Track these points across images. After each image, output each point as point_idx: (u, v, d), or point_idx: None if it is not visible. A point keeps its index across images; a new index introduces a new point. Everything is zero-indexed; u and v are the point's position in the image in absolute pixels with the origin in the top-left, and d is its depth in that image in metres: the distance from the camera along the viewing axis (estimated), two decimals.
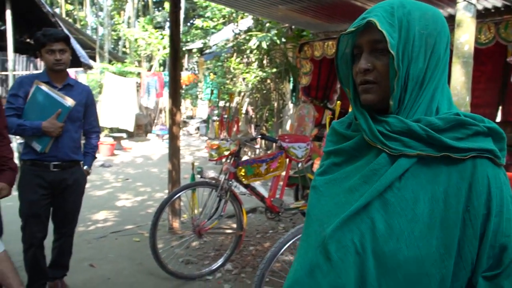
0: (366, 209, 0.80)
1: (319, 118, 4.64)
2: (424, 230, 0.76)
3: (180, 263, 3.40)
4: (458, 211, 0.77)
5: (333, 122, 1.00)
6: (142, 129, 13.60)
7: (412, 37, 0.79)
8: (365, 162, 0.85)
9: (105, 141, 9.49)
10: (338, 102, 2.81)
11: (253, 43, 7.21)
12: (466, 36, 2.16)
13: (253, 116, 8.51)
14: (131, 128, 11.24)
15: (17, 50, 9.68)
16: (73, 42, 11.67)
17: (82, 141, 2.87)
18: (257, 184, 5.17)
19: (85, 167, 2.82)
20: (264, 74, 7.50)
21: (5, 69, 10.11)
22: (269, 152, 6.93)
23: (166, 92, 12.76)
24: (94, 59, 12.97)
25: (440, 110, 0.83)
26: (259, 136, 3.32)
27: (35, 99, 2.56)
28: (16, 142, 5.88)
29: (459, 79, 2.19)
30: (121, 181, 6.87)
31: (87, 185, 3.01)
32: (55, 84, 2.63)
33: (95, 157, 2.96)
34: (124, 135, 11.08)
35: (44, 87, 2.57)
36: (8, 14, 7.17)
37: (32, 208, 2.59)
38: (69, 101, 2.58)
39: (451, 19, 2.82)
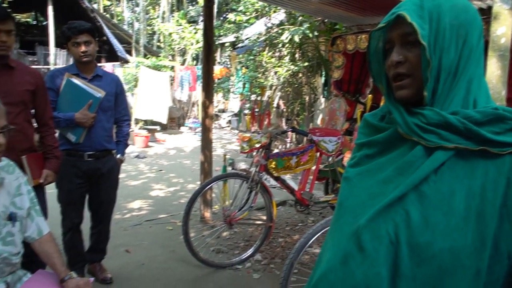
0: (401, 200, 0.80)
1: (351, 112, 4.61)
2: (460, 223, 0.76)
3: (211, 252, 3.49)
4: (495, 205, 0.77)
5: (366, 114, 1.01)
6: (175, 122, 13.87)
7: (442, 28, 0.79)
8: (399, 154, 0.85)
9: (139, 133, 9.76)
10: (370, 96, 2.80)
11: (285, 36, 7.22)
12: (502, 29, 2.11)
13: (284, 110, 8.53)
14: (164, 121, 11.48)
15: (58, 44, 10.08)
16: (111, 36, 12.04)
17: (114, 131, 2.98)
18: (287, 178, 5.22)
19: (118, 155, 2.93)
20: (296, 68, 7.50)
21: (47, 63, 10.56)
22: (299, 146, 6.93)
23: (198, 85, 12.95)
24: (130, 53, 13.31)
25: (477, 104, 0.82)
26: (290, 130, 3.35)
27: (66, 91, 2.65)
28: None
29: (495, 72, 2.15)
30: (155, 172, 7.07)
31: (123, 175, 3.14)
32: (85, 76, 2.71)
33: (127, 145, 3.06)
34: (158, 127, 11.34)
35: (74, 79, 2.67)
36: (50, 10, 7.47)
37: (69, 196, 2.74)
38: (99, 92, 2.67)
39: (488, 11, 2.75)
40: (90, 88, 2.67)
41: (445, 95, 0.82)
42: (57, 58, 9.42)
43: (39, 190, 2.21)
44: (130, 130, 3.13)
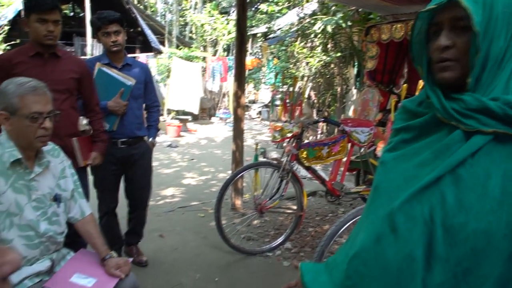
0: (436, 183, 0.81)
1: (384, 103, 4.54)
2: (495, 206, 0.77)
3: (241, 239, 3.56)
4: None
5: (404, 100, 1.01)
6: (206, 112, 14.02)
7: (495, 15, 0.78)
8: (437, 139, 0.86)
9: (172, 123, 9.95)
10: (405, 85, 2.76)
11: (318, 27, 7.15)
12: None
13: (315, 101, 8.48)
14: (196, 111, 11.64)
15: (95, 36, 10.39)
16: (145, 27, 12.26)
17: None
18: (317, 169, 5.20)
19: (150, 139, 3.01)
20: (328, 58, 7.43)
21: (84, 54, 10.89)
22: (331, 136, 6.89)
23: (230, 76, 13.03)
24: (163, 44, 13.52)
25: None
26: (322, 120, 3.35)
27: (98, 81, 2.72)
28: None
29: None
30: (187, 161, 7.20)
31: (156, 163, 3.24)
32: (115, 65, 2.79)
33: (158, 129, 3.15)
34: (189, 117, 11.50)
35: (105, 68, 2.75)
36: (87, 2, 7.66)
37: (104, 182, 2.86)
38: (130, 80, 2.76)
39: None
40: (121, 77, 2.75)
41: (489, 82, 0.81)
42: (93, 48, 9.70)
43: (82, 174, 2.33)
44: (163, 120, 3.23)
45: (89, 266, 1.82)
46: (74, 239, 2.04)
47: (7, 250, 0.54)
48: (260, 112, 14.64)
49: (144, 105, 3.05)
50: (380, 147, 3.46)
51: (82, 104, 2.57)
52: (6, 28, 7.47)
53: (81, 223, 1.89)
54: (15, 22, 8.86)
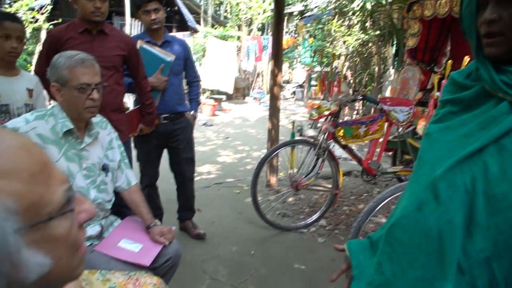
0: (480, 152, 0.81)
1: (425, 82, 4.40)
2: None
3: (276, 216, 3.61)
4: None
5: (452, 72, 1.01)
6: (240, 92, 14.07)
7: None
8: (483, 110, 0.86)
9: (207, 102, 10.07)
10: (449, 61, 2.67)
11: (357, 4, 6.97)
12: None
13: (351, 81, 8.33)
14: (230, 91, 11.70)
15: (133, 15, 10.54)
16: (181, 6, 12.32)
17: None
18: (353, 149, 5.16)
19: (191, 112, 3.11)
20: (366, 37, 7.25)
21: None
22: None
23: (264, 56, 12.97)
24: (198, 23, 13.56)
25: None
26: (361, 98, 3.31)
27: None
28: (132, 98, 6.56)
29: None
30: (222, 139, 7.30)
31: None
32: (155, 42, 2.87)
33: (199, 103, 3.24)
34: (223, 97, 11.59)
35: (146, 46, 2.82)
36: None
37: (147, 155, 2.98)
38: (169, 56, 2.83)
39: None
40: (161, 53, 2.83)
41: None
42: (132, 28, 9.86)
43: (127, 147, 2.44)
44: None
45: (135, 233, 1.91)
46: (119, 209, 2.14)
47: (83, 199, 0.59)
48: (294, 93, 14.54)
49: (184, 82, 3.13)
50: (421, 125, 3.39)
51: (131, 79, 2.67)
52: (49, 7, 7.70)
53: (127, 192, 1.99)
54: (56, 1, 9.11)
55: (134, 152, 2.93)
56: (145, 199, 2.96)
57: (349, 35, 7.54)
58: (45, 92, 2.35)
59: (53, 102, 1.97)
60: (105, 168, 1.89)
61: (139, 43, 2.82)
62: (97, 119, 1.92)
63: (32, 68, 3.78)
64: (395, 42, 6.80)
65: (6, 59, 2.07)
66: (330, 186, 3.66)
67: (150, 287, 1.53)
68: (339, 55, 8.02)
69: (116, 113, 2.45)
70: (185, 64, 3.03)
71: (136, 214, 2.01)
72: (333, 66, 4.22)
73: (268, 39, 12.42)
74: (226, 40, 12.08)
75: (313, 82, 8.39)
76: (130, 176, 2.00)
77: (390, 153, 4.82)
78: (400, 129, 3.71)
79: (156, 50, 2.84)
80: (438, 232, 0.83)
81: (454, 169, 0.84)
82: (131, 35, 3.01)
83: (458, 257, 0.82)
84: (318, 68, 9.07)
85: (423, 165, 0.95)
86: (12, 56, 2.06)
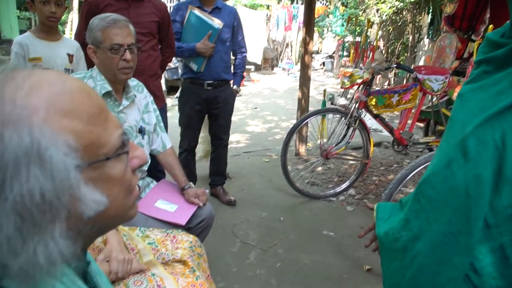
0: (511, 109, 0.81)
1: (461, 51, 4.26)
2: None
3: (305, 184, 3.64)
4: None
5: (487, 33, 0.99)
6: (268, 62, 13.95)
7: None
8: None
9: None
10: (490, 26, 2.56)
11: None
12: None
13: (384, 50, 8.11)
14: (259, 61, 11.62)
15: None
16: None
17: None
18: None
19: (234, 87, 3.14)
20: (401, 4, 6.99)
21: None
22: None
23: (294, 25, 12.73)
24: None
25: None
26: (395, 66, 3.23)
27: (189, 23, 2.86)
28: (181, 62, 6.73)
29: None
30: (250, 110, 7.32)
31: None
32: (206, 8, 2.89)
33: (243, 77, 3.25)
34: (252, 67, 11.53)
35: (196, 11, 2.85)
36: None
37: (188, 120, 3.04)
38: (218, 23, 2.83)
39: None
40: (209, 20, 2.85)
41: None
42: None
43: (162, 113, 2.50)
44: None
45: (170, 194, 1.98)
46: (154, 174, 2.22)
47: (136, 146, 0.62)
48: (323, 63, 14.31)
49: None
50: (457, 91, 3.30)
51: (160, 44, 2.69)
52: None
53: (162, 155, 2.04)
54: None
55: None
56: (181, 163, 3.10)
57: (383, 2, 7.28)
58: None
59: None
60: (141, 131, 1.95)
61: (190, 8, 2.86)
62: (134, 82, 1.96)
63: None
64: (431, 10, 6.54)
65: (46, 24, 2.12)
66: (360, 156, 3.65)
67: (187, 244, 1.59)
68: (372, 23, 7.79)
69: (154, 79, 2.51)
70: (233, 32, 3.04)
71: (171, 177, 2.07)
72: (367, 34, 4.11)
73: (298, 8, 12.16)
74: (255, 9, 11.91)
75: (341, 53, 8.22)
76: (165, 140, 2.05)
77: (422, 124, 4.74)
78: (434, 99, 3.62)
79: (205, 16, 2.86)
80: (465, 188, 0.83)
81: (484, 126, 0.83)
82: (183, 1, 3.01)
83: (485, 212, 0.82)
84: (349, 38, 8.86)
85: (454, 125, 0.94)
86: (51, 21, 2.12)
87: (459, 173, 0.85)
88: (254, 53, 11.18)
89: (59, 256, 0.47)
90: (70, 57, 2.24)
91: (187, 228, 1.86)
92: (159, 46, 2.62)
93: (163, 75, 3.08)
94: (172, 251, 1.51)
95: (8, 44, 9.17)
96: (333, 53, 13.61)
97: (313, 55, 15.18)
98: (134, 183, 0.61)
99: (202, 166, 3.67)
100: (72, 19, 8.23)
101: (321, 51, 16.24)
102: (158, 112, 2.06)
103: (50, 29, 2.16)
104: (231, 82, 3.12)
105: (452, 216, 0.85)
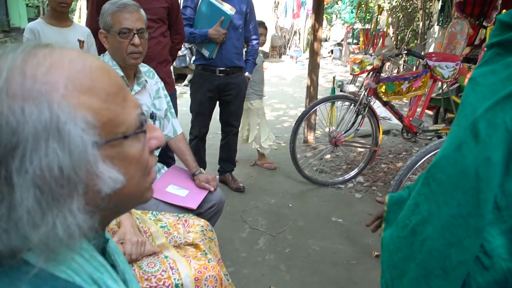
0: None
1: (473, 37, 4.20)
2: None
3: (314, 171, 3.65)
4: None
5: (499, 15, 0.98)
6: (276, 50, 13.87)
7: None
8: None
9: None
10: (504, 11, 2.52)
11: None
12: None
13: (393, 37, 8.01)
14: (266, 49, 11.55)
15: None
16: None
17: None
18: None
19: (246, 73, 3.13)
20: None
21: None
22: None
23: (302, 13, 12.62)
24: None
25: None
26: (405, 52, 3.20)
27: (202, 9, 2.85)
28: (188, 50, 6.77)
29: None
30: None
31: None
32: None
33: (255, 64, 3.23)
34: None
35: None
36: None
37: (200, 107, 3.05)
38: (230, 9, 2.82)
39: None
40: (222, 6, 2.84)
41: None
42: None
43: (173, 99, 2.51)
44: None
45: (181, 179, 2.00)
46: (164, 160, 2.23)
47: (155, 127, 0.63)
48: (331, 51, 14.19)
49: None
50: (468, 76, 3.27)
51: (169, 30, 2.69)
52: None
53: (173, 141, 2.06)
54: None
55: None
56: (191, 151, 3.12)
57: None
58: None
59: None
60: (153, 117, 1.96)
61: None
62: (145, 68, 1.97)
63: None
64: None
65: (57, 10, 2.13)
66: (368, 143, 3.64)
67: (198, 228, 1.62)
68: (383, 9, 7.69)
69: (163, 65, 2.51)
70: (245, 19, 3.03)
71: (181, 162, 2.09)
72: (377, 20, 4.06)
73: None
74: None
75: (350, 40, 8.14)
76: (176, 125, 2.07)
77: (431, 112, 4.71)
78: (445, 86, 3.59)
79: (217, 2, 2.85)
80: (476, 170, 0.83)
81: (495, 108, 0.83)
82: None
83: (496, 194, 0.82)
84: (358, 25, 8.76)
85: (465, 109, 0.93)
86: (63, 6, 2.13)
87: (469, 155, 0.85)
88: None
89: (77, 229, 0.48)
90: (81, 43, 2.25)
91: (198, 213, 1.88)
92: (169, 33, 2.62)
93: None
94: (184, 235, 1.53)
95: (17, 32, 9.22)
96: (342, 40, 13.49)
97: (322, 42, 15.10)
98: (151, 164, 0.61)
99: (211, 154, 3.69)
100: (81, 6, 8.23)
101: (329, 38, 16.10)
102: (169, 98, 2.07)
103: (61, 15, 2.17)
104: (243, 69, 3.11)
105: (462, 199, 0.85)
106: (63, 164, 0.46)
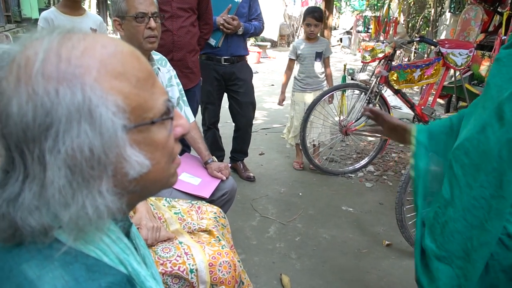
0: None
1: (487, 23, 4.13)
2: None
3: (324, 160, 3.64)
4: None
5: None
6: (284, 39, 13.77)
7: None
8: None
9: (252, 49, 9.98)
10: None
11: None
12: None
13: (405, 25, 7.91)
14: (275, 38, 11.49)
15: None
16: None
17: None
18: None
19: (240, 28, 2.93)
20: None
21: None
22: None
23: (311, 1, 12.49)
24: None
25: None
26: (418, 39, 3.15)
27: None
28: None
29: None
30: (267, 86, 7.28)
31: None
32: None
33: (255, 33, 3.14)
34: (268, 44, 11.42)
35: None
36: None
37: (208, 97, 3.05)
38: None
39: None
40: None
41: None
42: None
43: (198, 89, 2.61)
44: None
45: (194, 168, 2.01)
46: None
47: (180, 115, 0.63)
48: (340, 39, 14.06)
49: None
50: (484, 66, 3.22)
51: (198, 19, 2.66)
52: None
53: None
54: None
55: None
56: (206, 140, 3.13)
57: None
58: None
59: None
60: None
61: None
62: (157, 56, 1.97)
63: None
64: None
65: None
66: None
67: (211, 215, 1.63)
68: None
69: (192, 54, 2.53)
70: (250, 6, 3.02)
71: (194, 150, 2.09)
72: (389, 7, 4.01)
73: None
74: None
75: (361, 28, 8.05)
76: (189, 113, 2.07)
77: (443, 100, 4.66)
78: (457, 73, 3.55)
79: None
80: (499, 152, 0.83)
81: None
82: None
83: None
84: (368, 13, 8.66)
85: (490, 90, 0.93)
86: None
87: (493, 137, 0.84)
88: (270, 30, 11.05)
89: (105, 210, 0.49)
90: (94, 31, 2.25)
91: (210, 201, 1.89)
92: (198, 23, 2.61)
93: None
94: (198, 221, 1.54)
95: (29, 22, 9.28)
96: (351, 29, 13.35)
97: (331, 30, 14.95)
98: (176, 151, 0.62)
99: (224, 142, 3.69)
100: None
101: (338, 27, 15.93)
102: (181, 86, 2.07)
103: (74, 4, 2.18)
104: (247, 57, 3.10)
105: (484, 181, 0.85)
106: (94, 146, 0.47)
